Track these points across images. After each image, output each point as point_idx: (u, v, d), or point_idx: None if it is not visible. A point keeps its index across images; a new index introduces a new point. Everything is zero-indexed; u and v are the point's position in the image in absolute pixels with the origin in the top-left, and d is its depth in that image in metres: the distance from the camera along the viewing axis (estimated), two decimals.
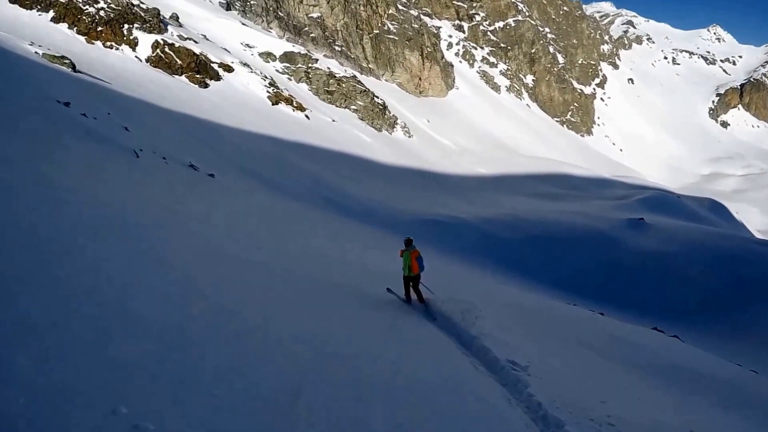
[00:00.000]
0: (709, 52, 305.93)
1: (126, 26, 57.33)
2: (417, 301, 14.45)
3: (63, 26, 52.37)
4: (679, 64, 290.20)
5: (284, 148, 50.39)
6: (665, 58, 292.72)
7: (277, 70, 75.20)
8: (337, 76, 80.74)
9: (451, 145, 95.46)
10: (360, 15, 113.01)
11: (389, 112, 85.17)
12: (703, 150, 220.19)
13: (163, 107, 41.51)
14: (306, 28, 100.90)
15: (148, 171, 21.51)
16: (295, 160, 47.91)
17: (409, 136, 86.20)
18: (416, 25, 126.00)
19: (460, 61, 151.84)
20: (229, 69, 62.10)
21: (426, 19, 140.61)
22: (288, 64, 77.69)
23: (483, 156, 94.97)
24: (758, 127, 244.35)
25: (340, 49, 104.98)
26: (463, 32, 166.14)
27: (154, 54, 56.55)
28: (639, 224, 50.77)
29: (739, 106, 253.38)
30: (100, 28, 54.89)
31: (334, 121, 70.85)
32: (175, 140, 33.65)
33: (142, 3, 61.05)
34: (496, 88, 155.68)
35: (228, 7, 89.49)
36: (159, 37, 57.98)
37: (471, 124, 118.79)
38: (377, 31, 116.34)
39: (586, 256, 43.47)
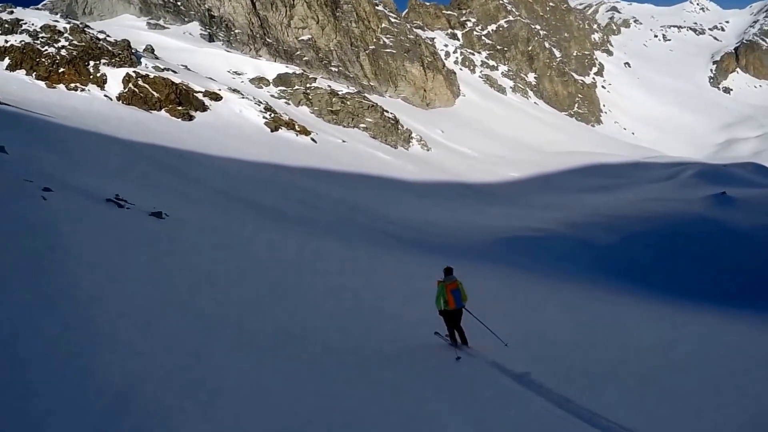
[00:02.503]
0: (696, 23, 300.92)
1: (92, 63, 46.98)
2: (461, 343, 11.61)
3: (20, 73, 43.83)
4: (670, 39, 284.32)
5: (292, 174, 39.45)
6: (655, 36, 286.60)
7: (273, 95, 64.21)
8: (340, 93, 69.54)
9: (472, 152, 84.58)
10: (353, 32, 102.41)
11: (402, 126, 73.83)
12: (713, 118, 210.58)
13: (124, 140, 30.34)
14: (298, 52, 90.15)
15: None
16: (309, 186, 36.81)
17: (428, 150, 74.76)
18: (412, 36, 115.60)
19: (461, 69, 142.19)
20: (216, 97, 51.06)
21: (418, 32, 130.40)
22: (284, 87, 66.67)
23: (508, 159, 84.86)
24: (760, 86, 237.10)
25: (337, 69, 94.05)
26: (458, 40, 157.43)
27: (126, 89, 45.89)
28: (725, 199, 43.01)
29: (738, 69, 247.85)
30: (61, 69, 45.03)
31: (344, 141, 59.60)
32: (128, 175, 22.54)
33: (109, 36, 50.65)
34: (501, 90, 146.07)
35: (211, 38, 78.60)
36: (131, 70, 47.17)
37: (485, 129, 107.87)
38: (373, 47, 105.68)
39: (698, 246, 33.20)
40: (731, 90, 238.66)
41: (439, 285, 11.74)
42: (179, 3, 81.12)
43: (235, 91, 54.53)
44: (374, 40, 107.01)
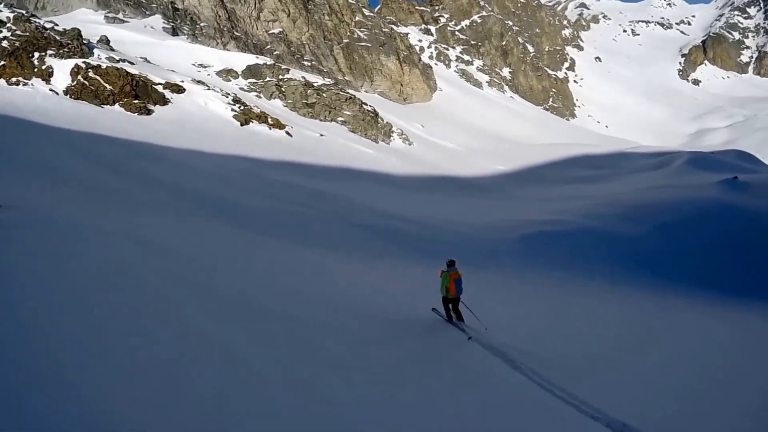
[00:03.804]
0: (663, 18, 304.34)
1: (36, 55, 40.87)
2: (457, 319, 13.49)
3: None
4: (638, 34, 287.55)
5: (265, 167, 33.82)
6: (624, 31, 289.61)
7: (242, 88, 58.32)
8: (315, 85, 63.73)
9: (455, 147, 79.79)
10: (326, 25, 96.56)
11: (382, 120, 68.38)
12: (683, 110, 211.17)
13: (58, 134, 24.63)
14: (268, 46, 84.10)
15: None
16: (284, 179, 31.24)
17: (409, 144, 69.42)
18: (387, 29, 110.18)
19: (436, 64, 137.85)
20: (178, 89, 45.13)
21: (392, 26, 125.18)
22: (254, 80, 60.76)
23: (491, 152, 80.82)
24: (728, 77, 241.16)
25: (310, 63, 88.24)
26: (432, 35, 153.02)
27: (74, 82, 39.74)
28: (738, 184, 39.33)
29: (706, 62, 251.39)
30: (2, 63, 38.70)
31: (322, 135, 53.99)
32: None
33: (57, 26, 44.63)
34: (477, 84, 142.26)
35: (174, 32, 72.19)
36: (80, 61, 41.19)
37: (465, 123, 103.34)
38: (347, 40, 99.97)
39: (726, 235, 28.89)
40: (700, 82, 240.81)
41: (443, 275, 13.25)
42: None
43: (199, 82, 48.67)
44: (348, 33, 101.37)
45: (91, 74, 40.52)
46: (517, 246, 24.81)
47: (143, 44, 57.85)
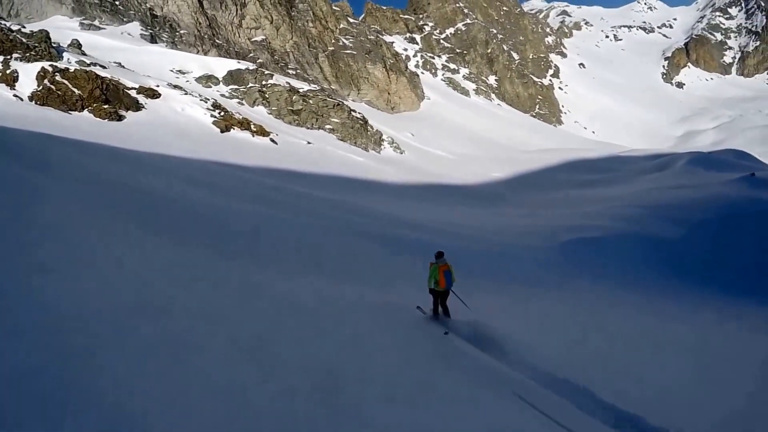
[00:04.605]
0: (645, 22, 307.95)
1: (1, 58, 37.16)
2: (443, 315, 12.81)
3: None
4: (621, 39, 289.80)
5: (256, 174, 29.99)
6: (607, 36, 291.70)
7: (224, 95, 54.46)
8: (301, 91, 60.02)
9: (447, 155, 76.41)
10: (310, 32, 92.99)
11: (372, 128, 64.83)
12: (669, 113, 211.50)
13: None
14: (251, 54, 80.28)
15: None
16: (278, 185, 27.44)
17: (401, 152, 65.89)
18: (372, 37, 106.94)
19: (422, 72, 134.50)
20: (153, 94, 41.20)
21: (377, 34, 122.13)
22: (236, 86, 56.88)
23: (485, 159, 77.38)
24: (711, 79, 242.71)
25: (294, 72, 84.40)
26: (417, 44, 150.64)
27: (41, 87, 35.77)
28: (756, 180, 37.89)
29: (689, 64, 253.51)
30: None
31: (309, 143, 50.30)
32: None
33: (24, 27, 40.94)
34: (465, 92, 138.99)
35: (153, 39, 68.17)
36: (47, 64, 37.36)
37: (455, 131, 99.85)
38: (332, 48, 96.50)
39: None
40: (684, 84, 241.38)
41: (431, 266, 12.64)
42: (117, 2, 70.63)
43: (176, 87, 44.83)
44: (333, 41, 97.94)
45: (58, 78, 36.59)
46: (558, 256, 21.28)
47: (119, 50, 54.01)
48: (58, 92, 35.96)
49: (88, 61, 42.11)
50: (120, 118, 36.24)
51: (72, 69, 37.71)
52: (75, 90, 36.45)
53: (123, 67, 47.15)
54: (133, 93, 39.80)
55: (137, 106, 38.73)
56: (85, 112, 35.80)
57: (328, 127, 59.64)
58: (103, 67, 42.38)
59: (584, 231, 24.70)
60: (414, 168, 58.97)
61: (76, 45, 46.36)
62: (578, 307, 15.32)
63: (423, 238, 19.64)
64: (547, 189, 53.72)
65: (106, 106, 36.41)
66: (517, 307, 14.27)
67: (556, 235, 24.18)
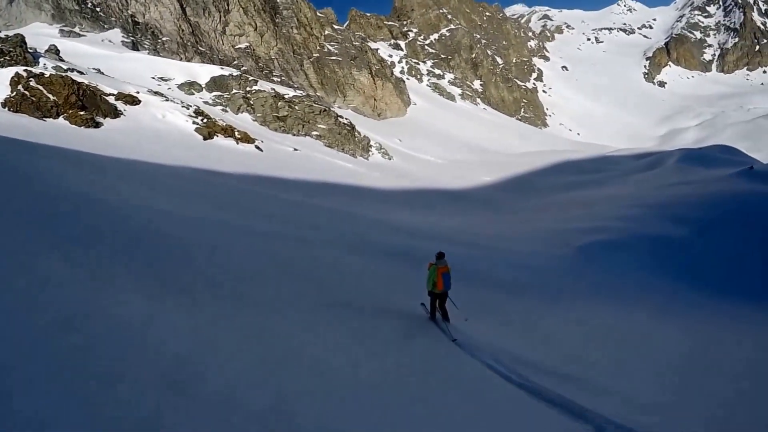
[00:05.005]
0: (625, 23, 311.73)
1: None
2: (442, 318, 12.22)
3: None
4: (602, 41, 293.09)
5: (242, 181, 28.09)
6: (588, 39, 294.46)
7: (207, 102, 52.55)
8: (286, 97, 58.17)
9: (436, 160, 75.07)
10: (294, 39, 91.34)
11: (359, 134, 63.08)
12: (652, 112, 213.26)
13: None
14: (235, 61, 78.45)
15: None
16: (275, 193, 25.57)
17: (389, 158, 64.21)
18: (357, 43, 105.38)
19: (408, 78, 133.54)
20: (132, 101, 39.21)
21: (362, 40, 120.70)
22: (220, 93, 54.92)
23: (475, 164, 76.27)
24: (692, 77, 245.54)
25: (279, 79, 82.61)
26: (402, 50, 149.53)
27: (14, 93, 33.77)
28: (755, 174, 37.50)
29: (670, 63, 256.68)
30: None
31: (296, 150, 48.42)
32: None
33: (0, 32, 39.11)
34: (451, 97, 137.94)
35: (134, 46, 66.07)
36: (21, 69, 35.41)
37: (443, 136, 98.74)
38: (317, 54, 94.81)
39: None
40: (665, 83, 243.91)
41: (430, 268, 12.04)
42: (98, 9, 68.59)
43: (157, 93, 42.85)
44: (318, 47, 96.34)
45: (33, 84, 34.58)
46: (578, 263, 19.56)
47: (98, 57, 52.02)
48: (33, 98, 33.95)
49: (65, 67, 40.21)
50: (97, 125, 34.25)
51: (48, 74, 35.72)
52: (50, 96, 34.47)
53: (102, 73, 45.19)
54: (111, 99, 37.82)
55: (115, 113, 36.74)
56: (61, 119, 33.81)
57: (315, 133, 57.87)
58: (81, 73, 40.48)
59: (596, 234, 22.99)
60: (404, 173, 57.33)
61: (54, 51, 44.42)
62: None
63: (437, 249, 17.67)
64: (541, 191, 52.35)
65: (82, 113, 34.40)
66: (582, 328, 12.59)
67: (569, 240, 22.48)
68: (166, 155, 30.03)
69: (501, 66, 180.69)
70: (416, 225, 25.26)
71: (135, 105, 39.10)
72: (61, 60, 43.41)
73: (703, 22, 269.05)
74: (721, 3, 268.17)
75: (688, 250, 21.34)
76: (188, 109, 42.26)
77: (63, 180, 11.86)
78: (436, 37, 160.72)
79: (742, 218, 24.22)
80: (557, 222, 29.23)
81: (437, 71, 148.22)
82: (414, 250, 17.17)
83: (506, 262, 18.79)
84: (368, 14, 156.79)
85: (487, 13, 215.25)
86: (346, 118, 64.20)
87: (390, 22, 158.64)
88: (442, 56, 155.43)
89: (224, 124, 43.67)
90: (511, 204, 45.18)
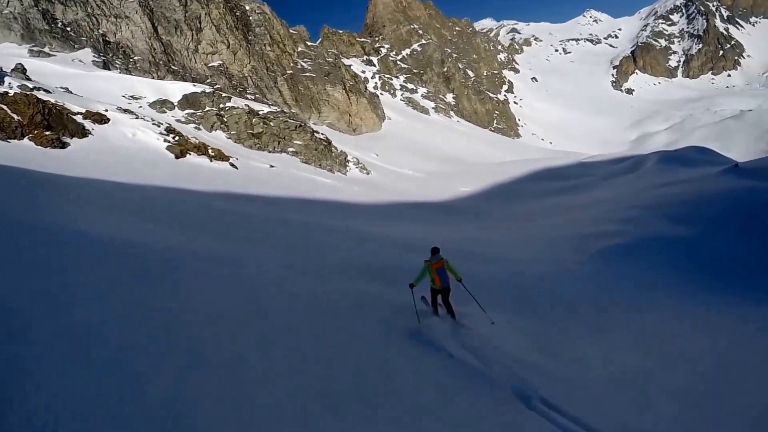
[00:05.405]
0: (591, 34, 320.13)
1: None
2: (449, 316, 11.52)
3: None
4: (570, 52, 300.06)
5: (212, 198, 26.35)
6: (556, 50, 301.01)
7: (179, 120, 50.67)
8: (261, 113, 56.51)
9: (414, 173, 73.76)
10: (268, 56, 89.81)
11: (336, 149, 61.57)
12: (622, 119, 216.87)
13: None
14: (209, 80, 76.64)
15: None
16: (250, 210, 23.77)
17: (367, 173, 62.66)
18: (331, 59, 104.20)
19: (381, 93, 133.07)
20: (101, 119, 37.30)
21: (335, 56, 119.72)
22: (192, 110, 53.09)
23: (452, 175, 75.18)
24: (659, 83, 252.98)
25: (253, 97, 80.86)
26: (375, 66, 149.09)
27: None
28: (742, 170, 36.56)
29: (636, 71, 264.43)
30: None
31: (273, 167, 46.75)
32: None
33: None
34: (424, 111, 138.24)
35: (105, 66, 63.95)
36: None
37: (419, 149, 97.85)
38: (291, 71, 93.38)
39: None
40: (633, 90, 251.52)
41: (425, 264, 11.54)
42: (69, 28, 66.46)
43: (126, 111, 40.94)
44: (291, 64, 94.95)
45: None
46: (599, 270, 18.17)
47: (68, 76, 50.03)
48: None
49: (30, 86, 38.23)
50: (63, 145, 32.31)
51: (12, 93, 33.77)
52: (14, 116, 32.46)
53: (70, 92, 43.27)
54: (79, 118, 35.90)
55: (83, 132, 34.81)
56: (26, 140, 31.84)
57: (291, 149, 56.28)
58: (48, 92, 38.54)
59: (606, 238, 21.65)
60: (384, 188, 55.85)
61: (21, 70, 42.34)
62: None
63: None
64: (526, 198, 51.53)
65: (48, 133, 32.46)
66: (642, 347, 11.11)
67: (580, 246, 21.09)
68: (135, 174, 28.25)
69: (472, 79, 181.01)
70: (410, 237, 23.63)
71: (104, 123, 37.20)
72: (28, 79, 41.38)
73: (667, 30, 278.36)
74: (684, 11, 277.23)
75: (700, 249, 20.25)
76: (159, 126, 40.45)
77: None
78: (408, 52, 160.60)
79: (746, 213, 23.25)
80: (556, 228, 27.87)
81: (410, 86, 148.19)
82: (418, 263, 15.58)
83: (535, 274, 17.19)
84: (340, 31, 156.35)
85: (457, 28, 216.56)
86: (323, 134, 62.75)
87: (362, 39, 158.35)
88: (415, 71, 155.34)
89: (197, 141, 41.93)
90: (499, 212, 43.99)
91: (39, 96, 35.14)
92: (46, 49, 62.35)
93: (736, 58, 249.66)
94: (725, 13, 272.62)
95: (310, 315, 9.20)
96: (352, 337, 8.72)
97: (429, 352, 9.18)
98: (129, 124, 38.24)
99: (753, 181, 29.96)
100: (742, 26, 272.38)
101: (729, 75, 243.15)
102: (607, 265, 18.82)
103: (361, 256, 16.65)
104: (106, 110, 38.79)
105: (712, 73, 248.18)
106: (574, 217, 31.42)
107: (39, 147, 31.47)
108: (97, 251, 8.67)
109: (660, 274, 17.91)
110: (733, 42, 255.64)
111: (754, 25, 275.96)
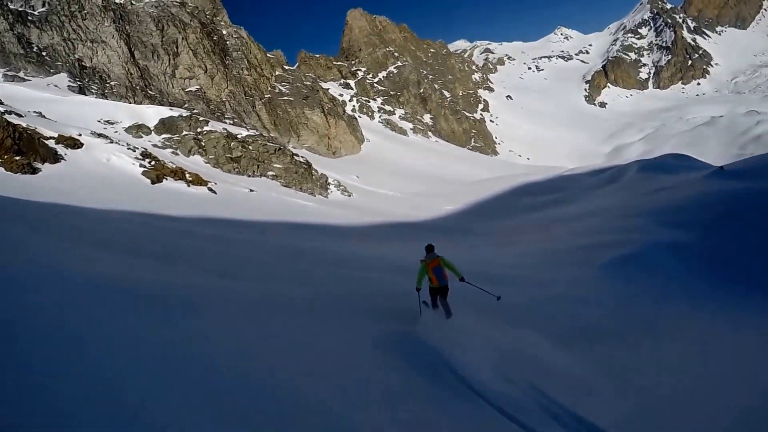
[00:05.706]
0: (563, 51, 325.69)
1: None
2: (445, 314, 11.07)
3: None
4: (543, 69, 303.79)
5: (189, 224, 24.84)
6: (529, 68, 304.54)
7: (156, 145, 49.19)
8: (239, 137, 55.22)
9: (396, 193, 72.80)
10: (245, 80, 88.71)
11: (317, 172, 60.38)
12: (596, 132, 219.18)
13: None
14: (186, 105, 75.29)
15: None
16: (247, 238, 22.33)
17: (349, 195, 61.50)
18: (309, 83, 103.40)
19: (359, 116, 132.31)
20: (74, 144, 35.74)
21: (313, 80, 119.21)
22: (169, 135, 51.64)
23: (434, 195, 74.00)
24: (630, 96, 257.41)
25: (231, 121, 79.60)
26: (352, 89, 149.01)
27: None
28: (729, 173, 36.27)
29: (608, 84, 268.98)
30: None
31: (252, 191, 45.31)
32: None
33: None
34: (403, 132, 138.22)
35: (81, 91, 62.42)
36: None
37: (398, 170, 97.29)
38: (269, 95, 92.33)
39: None
40: (606, 104, 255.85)
41: (421, 264, 11.21)
42: (44, 53, 64.97)
43: (101, 136, 39.42)
44: (269, 88, 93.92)
45: None
46: (612, 283, 17.01)
47: (41, 101, 48.53)
48: None
49: (2, 109, 36.69)
50: (34, 170, 30.70)
51: None
52: None
53: (43, 116, 41.72)
54: (51, 143, 34.33)
55: (55, 158, 33.24)
56: None
57: (270, 173, 55.02)
58: (19, 116, 37.01)
59: (610, 248, 20.60)
60: (366, 209, 54.55)
61: None
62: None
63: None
64: (513, 213, 50.67)
65: (18, 158, 30.84)
66: None
67: (586, 258, 19.96)
68: (110, 201, 26.71)
69: (449, 99, 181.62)
70: (403, 259, 22.19)
71: (77, 148, 35.65)
72: (0, 103, 39.82)
73: (636, 44, 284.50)
74: (652, 24, 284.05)
75: (707, 252, 19.42)
76: (135, 151, 38.95)
77: None
78: (385, 75, 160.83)
79: (746, 215, 22.57)
80: (556, 241, 26.79)
81: (388, 107, 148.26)
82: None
83: (551, 295, 15.78)
84: (317, 55, 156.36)
85: (432, 50, 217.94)
86: (303, 157, 61.62)
87: (339, 62, 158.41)
88: (392, 93, 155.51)
89: (174, 166, 40.47)
90: (487, 229, 42.89)
91: (10, 120, 33.53)
92: (21, 74, 60.86)
93: (704, 67, 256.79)
94: (692, 24, 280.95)
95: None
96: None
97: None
98: (103, 149, 36.73)
99: (741, 182, 29.37)
100: (708, 36, 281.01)
101: (698, 83, 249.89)
102: (616, 276, 17.71)
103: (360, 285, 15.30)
104: (80, 135, 37.26)
105: (682, 83, 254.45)
106: (569, 230, 30.46)
107: (8, 173, 29.88)
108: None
109: (677, 283, 16.91)
110: (701, 51, 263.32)
111: (720, 34, 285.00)
